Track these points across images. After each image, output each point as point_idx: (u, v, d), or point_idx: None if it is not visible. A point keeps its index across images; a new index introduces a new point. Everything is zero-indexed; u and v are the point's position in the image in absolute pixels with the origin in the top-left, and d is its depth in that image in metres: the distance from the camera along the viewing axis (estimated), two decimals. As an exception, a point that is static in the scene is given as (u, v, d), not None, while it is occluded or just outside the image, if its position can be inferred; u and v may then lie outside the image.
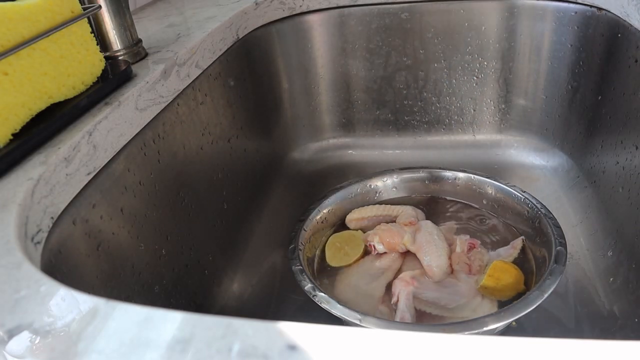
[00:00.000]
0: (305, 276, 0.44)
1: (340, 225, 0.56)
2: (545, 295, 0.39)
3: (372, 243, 0.51)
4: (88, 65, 0.43)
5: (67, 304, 0.24)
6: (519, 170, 0.69)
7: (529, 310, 0.38)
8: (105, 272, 0.39)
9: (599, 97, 0.59)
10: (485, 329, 0.37)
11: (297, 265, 0.46)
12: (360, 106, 0.79)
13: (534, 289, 0.40)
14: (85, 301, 0.24)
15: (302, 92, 0.77)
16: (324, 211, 0.55)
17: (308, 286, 0.43)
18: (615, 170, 0.54)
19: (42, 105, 0.39)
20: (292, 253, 0.47)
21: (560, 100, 0.69)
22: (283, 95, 0.76)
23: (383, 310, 0.45)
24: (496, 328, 0.37)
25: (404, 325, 0.40)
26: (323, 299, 0.41)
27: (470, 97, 0.75)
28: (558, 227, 0.46)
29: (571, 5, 0.62)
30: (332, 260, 0.52)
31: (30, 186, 0.32)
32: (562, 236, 0.44)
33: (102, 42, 0.50)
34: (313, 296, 0.42)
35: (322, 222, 0.54)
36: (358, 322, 0.39)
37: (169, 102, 0.49)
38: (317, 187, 0.72)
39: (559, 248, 0.43)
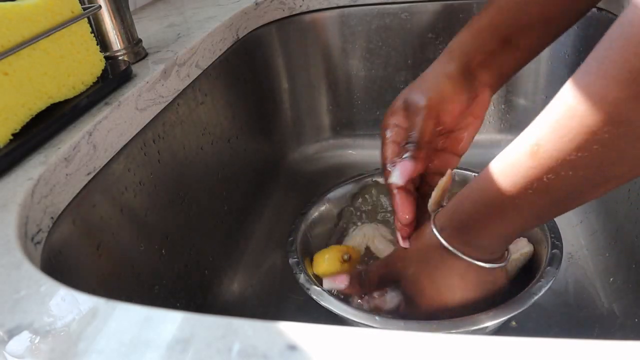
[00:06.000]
0: (300, 268, 0.44)
1: (341, 220, 0.56)
2: (535, 298, 0.39)
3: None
4: (88, 65, 0.43)
5: (67, 304, 0.24)
6: (519, 170, 0.69)
7: (505, 318, 0.38)
8: (105, 272, 0.39)
9: (599, 97, 0.59)
10: (473, 328, 0.37)
11: (294, 258, 0.46)
12: (360, 106, 0.79)
13: (525, 290, 0.40)
14: (85, 301, 0.24)
15: (302, 93, 0.77)
16: (326, 205, 0.55)
17: (302, 279, 0.43)
18: (615, 170, 0.54)
19: (42, 105, 0.39)
20: (291, 246, 0.47)
21: (560, 100, 0.68)
22: (283, 95, 0.76)
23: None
24: (486, 328, 0.37)
25: (403, 324, 0.40)
26: (317, 292, 0.41)
27: (470, 97, 0.75)
28: (556, 229, 0.46)
29: (571, 5, 0.62)
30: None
31: (30, 186, 0.32)
32: (559, 238, 0.44)
33: (102, 42, 0.50)
34: (307, 289, 0.42)
35: (324, 216, 0.54)
36: (353, 318, 0.39)
37: (169, 102, 0.49)
38: (317, 187, 0.72)
39: (554, 251, 0.43)
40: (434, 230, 0.36)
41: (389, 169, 0.42)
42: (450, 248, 0.35)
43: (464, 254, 0.35)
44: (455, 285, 0.37)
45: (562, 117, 0.26)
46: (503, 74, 0.46)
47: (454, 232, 0.35)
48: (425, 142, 0.41)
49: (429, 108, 0.41)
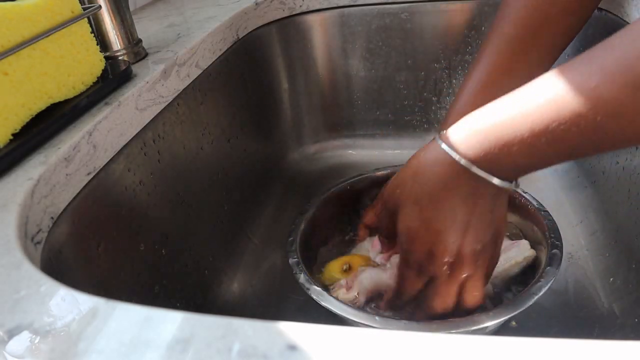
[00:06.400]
0: (301, 268, 0.44)
1: (340, 220, 0.56)
2: (535, 298, 0.39)
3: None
4: (88, 65, 0.43)
5: (67, 304, 0.24)
6: (519, 170, 0.69)
7: (505, 318, 0.38)
8: (105, 272, 0.39)
9: (599, 97, 0.59)
10: (473, 328, 0.37)
11: (294, 258, 0.46)
12: (360, 106, 0.79)
13: (525, 290, 0.40)
14: (85, 301, 0.24)
15: (302, 92, 0.77)
16: (325, 206, 0.55)
17: (302, 279, 0.43)
18: (615, 170, 0.54)
19: (42, 105, 0.39)
20: (291, 246, 0.47)
21: (560, 100, 0.68)
22: (283, 95, 0.76)
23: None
24: (486, 328, 0.37)
25: (403, 324, 0.40)
26: (317, 292, 0.41)
27: (470, 97, 0.74)
28: (556, 229, 0.46)
29: (571, 5, 0.62)
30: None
31: (30, 186, 0.32)
32: (559, 238, 0.44)
33: (102, 42, 0.50)
34: (307, 289, 0.42)
35: (323, 216, 0.54)
36: (353, 318, 0.39)
37: (169, 102, 0.49)
38: (317, 187, 0.72)
39: (554, 251, 0.43)
40: (448, 149, 0.33)
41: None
42: (468, 164, 0.32)
43: (483, 172, 0.33)
44: (459, 206, 0.34)
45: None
46: None
47: (474, 155, 0.32)
48: None
49: None
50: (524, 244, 0.48)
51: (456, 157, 0.33)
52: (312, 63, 0.75)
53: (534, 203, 0.49)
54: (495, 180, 0.33)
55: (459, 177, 0.33)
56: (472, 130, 0.33)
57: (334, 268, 0.49)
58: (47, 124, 0.38)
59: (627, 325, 0.47)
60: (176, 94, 0.51)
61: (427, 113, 0.77)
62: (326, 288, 0.47)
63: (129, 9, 0.51)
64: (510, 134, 0.30)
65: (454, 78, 0.74)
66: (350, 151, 0.80)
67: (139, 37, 0.53)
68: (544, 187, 0.66)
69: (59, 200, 0.35)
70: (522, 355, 0.19)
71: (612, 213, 0.55)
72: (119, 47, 0.50)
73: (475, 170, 0.32)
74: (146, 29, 0.62)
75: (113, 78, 0.45)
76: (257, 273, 0.60)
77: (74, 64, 0.42)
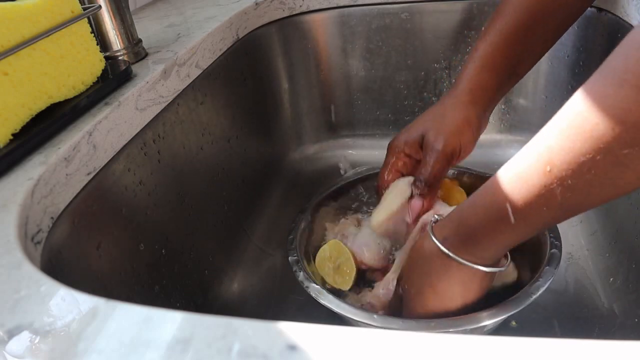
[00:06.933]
0: (300, 266, 0.44)
1: (340, 219, 0.56)
2: (533, 297, 0.39)
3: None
4: (88, 65, 0.43)
5: (67, 304, 0.24)
6: (519, 170, 0.69)
7: (503, 316, 0.38)
8: (105, 272, 0.39)
9: (599, 97, 0.59)
10: (471, 327, 0.37)
11: (294, 256, 0.46)
12: (360, 106, 0.79)
13: (524, 290, 0.40)
14: (85, 301, 0.24)
15: (302, 92, 0.77)
16: (325, 204, 0.55)
17: (301, 276, 0.43)
18: (615, 170, 0.54)
19: (42, 105, 0.39)
20: (291, 244, 0.48)
21: (560, 100, 0.69)
22: (283, 95, 0.76)
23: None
24: (485, 327, 0.37)
25: (401, 322, 0.40)
26: (315, 290, 0.42)
27: (470, 97, 0.74)
28: (555, 228, 0.46)
29: (571, 5, 0.62)
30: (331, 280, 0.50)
31: (30, 186, 0.32)
32: (558, 238, 0.44)
33: (102, 42, 0.50)
34: (306, 287, 0.42)
35: (323, 215, 0.54)
36: (351, 316, 0.39)
37: (169, 102, 0.49)
38: (317, 187, 0.72)
39: (553, 250, 0.43)
40: (436, 241, 0.37)
41: (382, 191, 0.47)
42: (455, 257, 0.36)
43: (468, 262, 0.36)
44: (457, 292, 0.38)
45: (575, 136, 0.26)
46: (499, 100, 0.49)
47: (458, 244, 0.36)
48: (435, 181, 0.45)
49: (444, 153, 0.44)
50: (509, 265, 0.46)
51: (452, 255, 0.36)
52: (312, 63, 0.75)
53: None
54: (484, 269, 0.37)
55: (453, 269, 0.37)
56: (463, 234, 0.36)
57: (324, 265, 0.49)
58: (47, 124, 0.38)
59: (627, 325, 0.47)
60: (176, 94, 0.51)
61: (427, 113, 0.77)
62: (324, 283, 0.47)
63: (129, 9, 0.51)
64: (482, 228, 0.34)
65: (453, 78, 0.74)
66: (350, 151, 0.80)
67: (139, 37, 0.53)
68: (544, 187, 0.66)
69: (59, 200, 0.35)
70: (522, 355, 0.19)
71: (612, 213, 0.55)
72: (119, 47, 0.50)
73: (467, 263, 0.36)
74: (146, 29, 0.62)
75: (113, 78, 0.45)
76: (257, 273, 0.60)
77: (74, 64, 0.42)
